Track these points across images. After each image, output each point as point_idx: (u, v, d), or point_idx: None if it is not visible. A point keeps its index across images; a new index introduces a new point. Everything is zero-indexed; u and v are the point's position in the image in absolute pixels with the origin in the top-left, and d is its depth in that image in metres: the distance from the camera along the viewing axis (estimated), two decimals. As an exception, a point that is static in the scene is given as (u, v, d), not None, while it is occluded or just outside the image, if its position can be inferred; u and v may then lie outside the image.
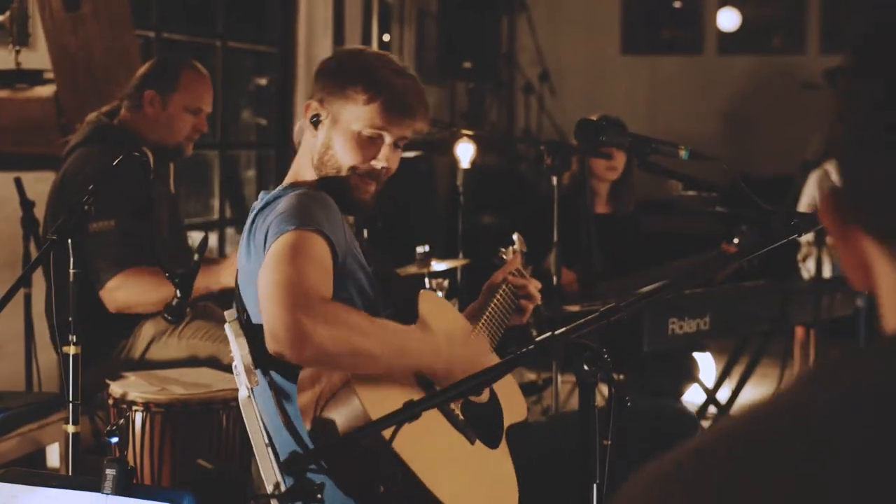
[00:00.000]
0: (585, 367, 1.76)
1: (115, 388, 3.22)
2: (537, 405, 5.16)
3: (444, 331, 2.47)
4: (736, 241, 4.44)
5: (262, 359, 2.43)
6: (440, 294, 4.21)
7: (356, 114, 2.51)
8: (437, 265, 4.25)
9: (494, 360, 2.58)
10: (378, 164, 2.53)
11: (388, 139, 2.54)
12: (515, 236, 2.91)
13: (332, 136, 2.54)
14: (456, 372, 2.33)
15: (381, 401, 2.17)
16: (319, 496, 1.51)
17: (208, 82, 3.98)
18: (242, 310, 2.53)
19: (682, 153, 2.58)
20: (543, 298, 4.53)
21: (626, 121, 4.38)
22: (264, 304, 2.24)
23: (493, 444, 2.49)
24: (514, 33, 10.63)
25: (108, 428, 2.07)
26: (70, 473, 2.73)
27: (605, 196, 5.12)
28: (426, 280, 4.24)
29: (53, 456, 3.56)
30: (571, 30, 10.78)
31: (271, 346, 2.20)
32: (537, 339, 1.76)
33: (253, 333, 2.43)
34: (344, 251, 2.43)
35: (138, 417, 3.14)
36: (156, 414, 3.15)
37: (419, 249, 4.21)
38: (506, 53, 10.37)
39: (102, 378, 3.39)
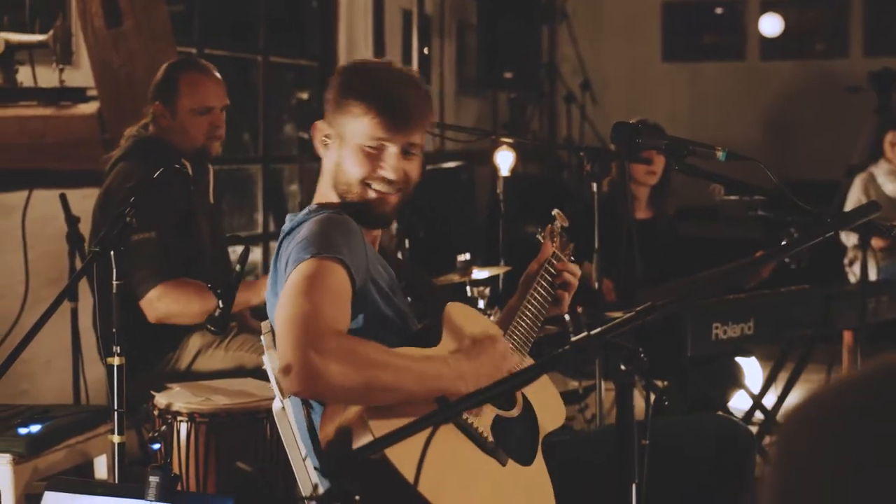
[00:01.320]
0: (622, 368, 1.76)
1: (160, 399, 3.25)
2: (581, 413, 5.13)
3: (470, 346, 2.43)
4: (784, 243, 4.40)
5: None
6: (481, 302, 4.20)
7: (357, 127, 2.49)
8: (478, 273, 4.24)
9: (547, 388, 2.56)
10: (385, 173, 2.50)
11: (392, 148, 2.50)
12: (555, 212, 2.85)
13: (340, 154, 2.52)
14: (478, 380, 2.30)
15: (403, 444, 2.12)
16: (357, 498, 1.52)
17: (211, 79, 3.92)
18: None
19: (720, 155, 2.57)
20: (584, 304, 4.53)
21: (667, 128, 4.38)
22: (278, 339, 2.25)
23: (527, 460, 2.45)
24: (556, 43, 10.62)
25: (151, 434, 2.10)
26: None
27: (645, 201, 5.10)
28: (467, 288, 4.24)
29: (101, 468, 3.59)
30: (612, 38, 10.77)
31: (283, 382, 2.20)
32: (572, 339, 1.76)
33: None
34: (364, 277, 2.41)
35: (183, 428, 3.16)
36: (200, 424, 3.17)
37: (460, 258, 4.21)
38: (547, 63, 10.36)
39: (148, 389, 3.42)
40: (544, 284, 2.70)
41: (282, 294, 2.30)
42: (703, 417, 3.27)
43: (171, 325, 3.69)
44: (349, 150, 2.50)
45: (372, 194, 2.52)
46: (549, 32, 10.50)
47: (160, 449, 2.15)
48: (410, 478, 2.03)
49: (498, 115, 9.83)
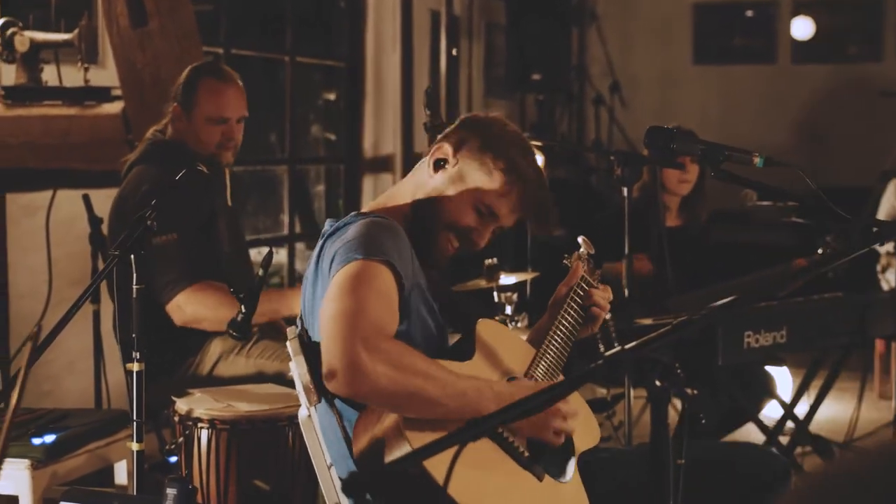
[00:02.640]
0: (657, 383, 1.69)
1: (181, 405, 3.19)
2: (609, 420, 5.06)
3: (506, 368, 2.41)
4: (820, 251, 4.32)
5: (322, 381, 2.38)
6: (508, 308, 4.13)
7: (485, 184, 2.47)
8: (506, 278, 4.17)
9: (579, 407, 2.49)
10: (479, 237, 2.51)
11: (496, 223, 2.51)
12: (581, 239, 2.80)
13: (450, 188, 2.49)
14: (527, 419, 2.27)
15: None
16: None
17: (232, 90, 3.87)
18: (304, 331, 2.49)
19: (757, 161, 2.50)
20: (614, 311, 4.46)
21: (697, 131, 4.29)
22: (323, 336, 2.19)
23: (563, 476, 2.40)
24: (585, 45, 10.54)
25: (167, 447, 2.04)
26: (135, 492, 2.71)
27: (676, 209, 5.02)
28: (494, 294, 4.17)
29: (121, 473, 3.55)
30: (643, 40, 10.68)
31: (328, 380, 2.15)
32: (606, 354, 1.69)
33: (314, 352, 2.39)
34: (411, 284, 2.37)
35: (203, 434, 3.11)
36: (221, 431, 3.11)
37: (487, 262, 4.14)
38: (576, 65, 10.29)
39: (169, 395, 3.37)
40: (575, 307, 2.64)
41: (328, 293, 2.25)
42: (740, 446, 3.21)
43: (193, 330, 3.64)
44: (462, 196, 2.47)
45: (454, 245, 2.51)
46: (579, 34, 10.42)
47: (178, 461, 2.09)
48: (445, 486, 1.98)
49: (526, 118, 9.76)
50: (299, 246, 7.47)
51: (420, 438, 2.10)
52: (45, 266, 4.77)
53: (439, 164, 2.51)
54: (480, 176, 2.47)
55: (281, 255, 7.19)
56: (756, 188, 2.56)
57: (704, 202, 5.05)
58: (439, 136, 2.58)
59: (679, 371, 1.68)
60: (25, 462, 3.16)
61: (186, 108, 3.81)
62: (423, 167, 2.55)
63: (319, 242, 2.47)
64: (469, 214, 2.48)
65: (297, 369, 2.40)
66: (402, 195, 2.56)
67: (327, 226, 2.51)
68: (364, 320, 2.15)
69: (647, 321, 4.06)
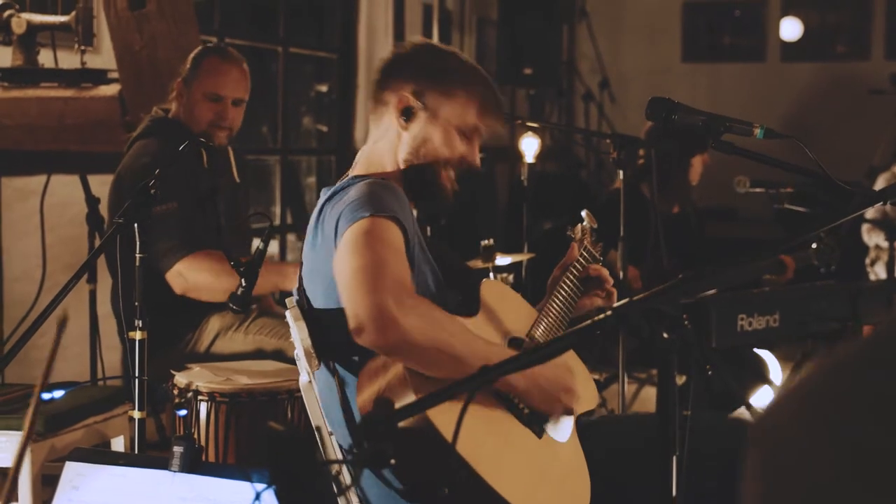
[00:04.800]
0: (665, 336, 1.70)
1: (181, 379, 3.20)
2: (602, 407, 5.08)
3: (508, 328, 2.45)
4: (814, 246, 4.35)
5: (323, 347, 2.40)
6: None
7: (458, 111, 2.53)
8: (502, 259, 4.20)
9: (578, 370, 2.52)
10: (474, 158, 2.57)
11: (479, 138, 2.58)
12: (584, 213, 2.83)
13: (430, 131, 2.53)
14: (542, 389, 2.30)
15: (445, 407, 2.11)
16: (393, 461, 1.47)
17: (235, 70, 3.89)
18: (304, 298, 2.50)
19: (757, 132, 2.53)
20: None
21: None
22: (345, 291, 2.19)
23: (561, 435, 2.43)
24: (575, 41, 10.57)
25: (177, 401, 2.05)
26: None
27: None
28: (490, 274, 4.19)
29: (119, 448, 3.55)
30: (632, 37, 10.71)
31: (355, 332, 2.13)
32: (613, 306, 1.71)
33: (314, 318, 2.40)
34: (413, 241, 2.40)
35: (203, 407, 3.12)
36: (220, 404, 3.12)
37: (483, 243, 4.17)
38: (566, 61, 10.32)
39: (167, 370, 3.38)
40: (572, 279, 2.67)
41: (340, 252, 2.26)
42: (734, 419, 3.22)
43: (192, 304, 3.65)
44: (444, 130, 2.52)
45: (442, 172, 2.54)
46: (569, 30, 10.45)
47: (185, 416, 2.10)
48: (450, 438, 1.99)
49: (516, 111, 9.78)
50: (291, 237, 7.48)
51: (424, 388, 2.12)
52: (39, 250, 4.77)
53: (409, 114, 2.53)
54: (450, 105, 2.53)
55: (272, 246, 7.20)
56: (758, 160, 2.57)
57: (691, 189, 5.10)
58: (381, 88, 2.59)
59: (687, 324, 1.70)
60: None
61: (187, 84, 3.84)
62: (390, 125, 2.56)
63: (317, 207, 2.49)
64: (457, 143, 2.54)
65: (298, 334, 2.42)
66: (383, 160, 2.57)
67: (323, 193, 2.53)
68: (387, 274, 2.15)
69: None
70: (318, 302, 2.44)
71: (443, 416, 2.04)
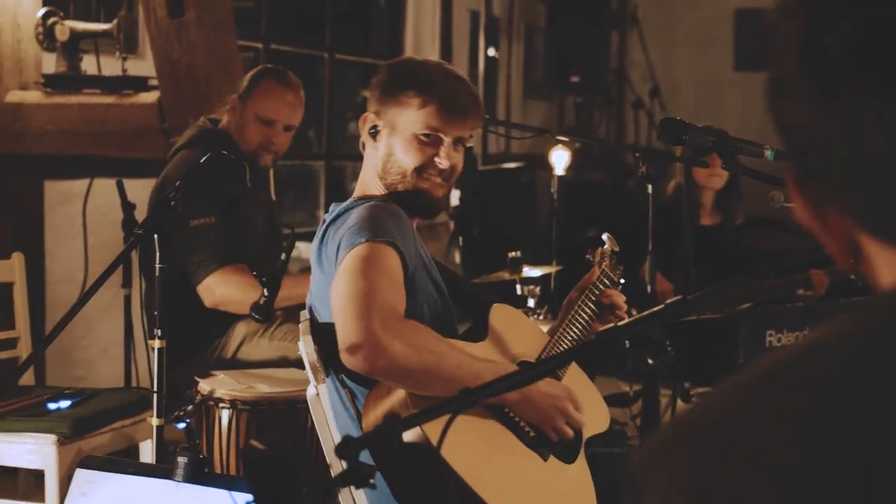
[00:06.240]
0: (649, 361, 1.73)
1: (203, 386, 3.26)
2: (633, 421, 5.07)
3: (517, 352, 2.45)
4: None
5: (330, 359, 2.44)
6: (531, 301, 4.17)
7: (412, 118, 2.51)
8: (529, 271, 4.21)
9: (577, 386, 2.53)
10: (441, 162, 2.53)
11: (446, 139, 2.54)
12: (605, 236, 2.83)
13: (391, 144, 2.54)
14: (532, 403, 2.32)
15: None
16: (371, 481, 1.50)
17: (289, 94, 3.90)
18: (312, 312, 2.56)
19: (768, 153, 2.53)
20: (637, 308, 4.48)
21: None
22: (338, 316, 2.26)
23: (569, 458, 2.44)
24: (625, 48, 10.55)
25: (176, 413, 2.10)
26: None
27: (710, 207, 5.02)
28: (517, 286, 4.21)
29: (146, 452, 3.61)
30: (684, 45, 10.67)
31: (345, 357, 2.22)
32: (599, 331, 1.73)
33: (321, 332, 2.45)
34: (414, 264, 2.43)
35: (224, 414, 3.17)
36: (241, 411, 3.17)
37: (511, 254, 4.19)
38: (616, 68, 10.29)
39: (194, 376, 3.44)
40: (588, 304, 2.66)
41: (337, 277, 2.32)
42: None
43: (220, 312, 3.70)
44: (403, 140, 2.52)
45: (425, 184, 2.54)
46: (619, 37, 10.43)
47: (188, 426, 2.14)
48: (444, 453, 2.02)
49: (564, 120, 9.78)
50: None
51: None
52: (82, 253, 4.86)
53: (374, 134, 2.57)
54: (405, 114, 2.52)
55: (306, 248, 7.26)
56: (769, 182, 2.57)
57: (739, 201, 5.04)
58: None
59: (670, 350, 1.71)
60: (52, 437, 3.23)
61: (243, 101, 3.87)
62: (368, 146, 2.60)
63: (321, 228, 2.54)
64: (420, 150, 2.52)
65: (305, 348, 2.47)
66: (368, 180, 2.61)
67: (330, 210, 2.58)
68: (377, 300, 2.21)
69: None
70: (322, 318, 2.49)
71: (440, 434, 2.07)
